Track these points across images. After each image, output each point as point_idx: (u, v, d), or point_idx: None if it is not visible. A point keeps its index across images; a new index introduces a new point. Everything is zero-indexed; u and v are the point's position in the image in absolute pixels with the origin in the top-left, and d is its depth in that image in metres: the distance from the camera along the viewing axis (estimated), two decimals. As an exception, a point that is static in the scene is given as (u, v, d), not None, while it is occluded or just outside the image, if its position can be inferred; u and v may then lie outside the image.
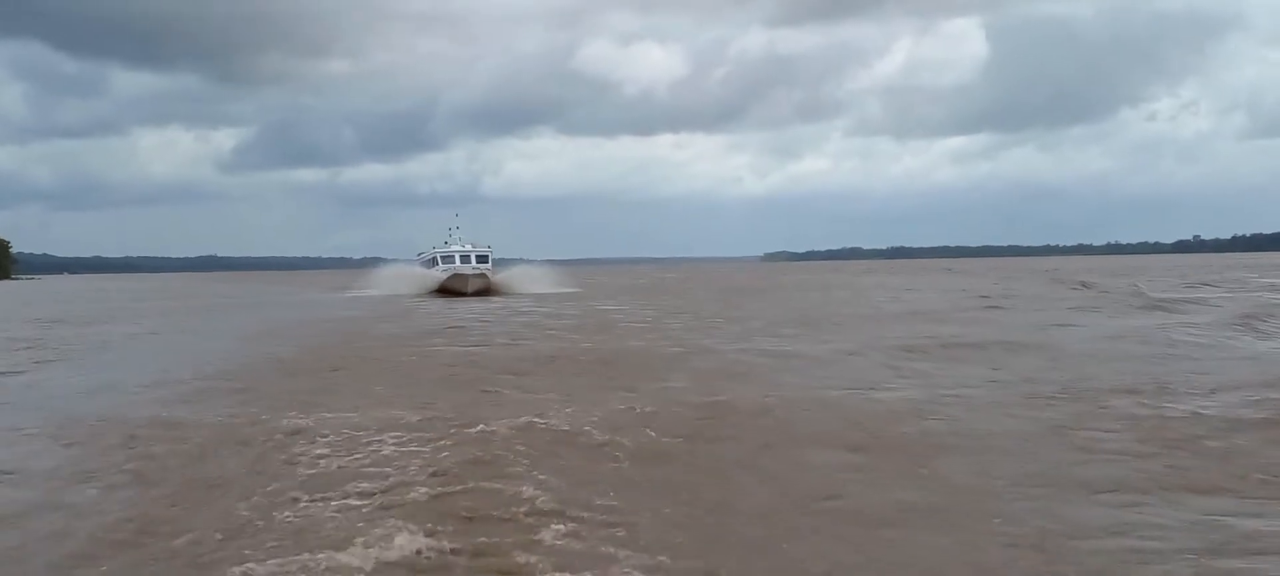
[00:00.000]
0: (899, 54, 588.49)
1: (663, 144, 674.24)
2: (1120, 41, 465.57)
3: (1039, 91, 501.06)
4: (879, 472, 9.54)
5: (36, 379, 19.33)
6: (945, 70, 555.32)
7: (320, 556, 6.82)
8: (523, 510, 7.94)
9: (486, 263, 59.64)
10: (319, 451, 10.36)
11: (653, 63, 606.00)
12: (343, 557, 6.79)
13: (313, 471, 9.48)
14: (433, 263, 60.85)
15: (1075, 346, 21.42)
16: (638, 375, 17.35)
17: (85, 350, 25.73)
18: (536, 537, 7.23)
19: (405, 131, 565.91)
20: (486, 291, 54.15)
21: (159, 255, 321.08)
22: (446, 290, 54.25)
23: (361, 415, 12.51)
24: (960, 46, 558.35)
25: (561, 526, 7.51)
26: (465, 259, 59.40)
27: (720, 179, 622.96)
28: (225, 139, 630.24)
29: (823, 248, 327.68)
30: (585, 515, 7.81)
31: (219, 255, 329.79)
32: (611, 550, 6.98)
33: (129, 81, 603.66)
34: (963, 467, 9.70)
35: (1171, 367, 17.16)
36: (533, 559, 6.81)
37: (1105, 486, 8.85)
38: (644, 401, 13.71)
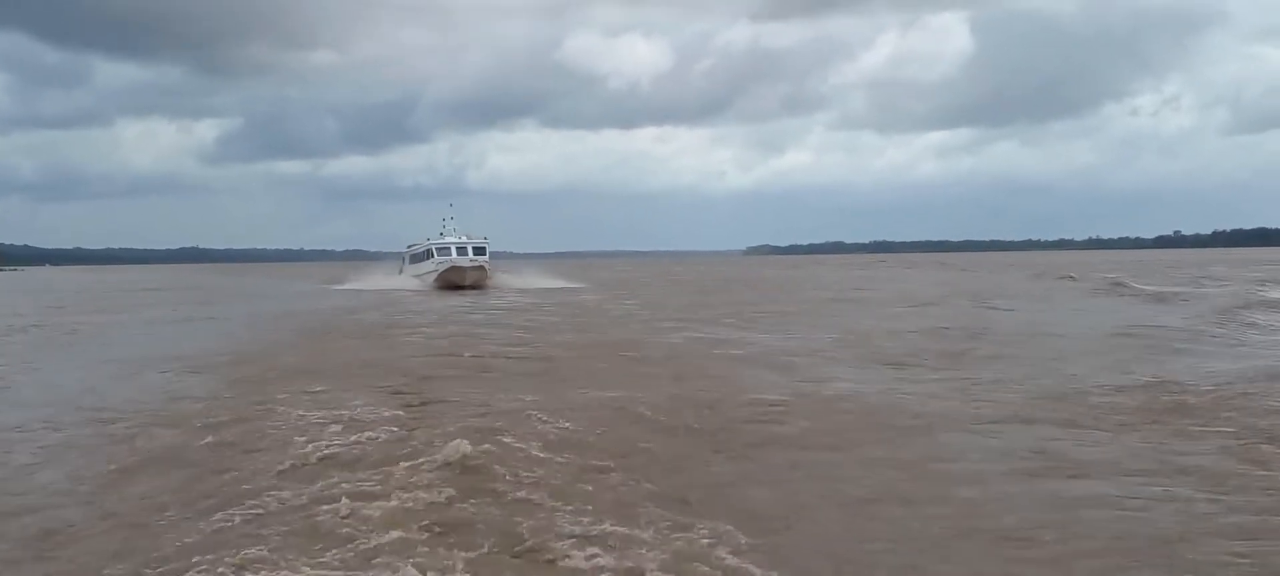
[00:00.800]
0: (884, 48, 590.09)
1: (645, 137, 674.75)
2: (1104, 36, 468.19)
3: (1023, 86, 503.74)
4: (799, 412, 11.66)
5: (66, 357, 21.10)
6: (930, 64, 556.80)
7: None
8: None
9: (484, 255, 56.53)
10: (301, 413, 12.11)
11: (637, 55, 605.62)
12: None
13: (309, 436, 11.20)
14: (427, 255, 57.93)
15: (1016, 328, 23.38)
16: (620, 350, 19.38)
17: (98, 334, 27.45)
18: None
19: (389, 123, 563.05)
20: (482, 284, 52.08)
21: (141, 247, 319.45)
22: (443, 283, 52.31)
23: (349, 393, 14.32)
24: (945, 40, 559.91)
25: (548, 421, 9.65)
26: (462, 250, 55.85)
27: (704, 173, 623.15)
28: (208, 130, 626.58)
29: (806, 241, 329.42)
30: (566, 422, 9.75)
31: (201, 247, 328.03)
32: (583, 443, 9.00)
33: (111, 72, 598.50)
34: (870, 409, 11.83)
35: (1108, 347, 18.82)
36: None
37: (983, 421, 10.89)
38: (627, 366, 15.78)
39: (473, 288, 50.76)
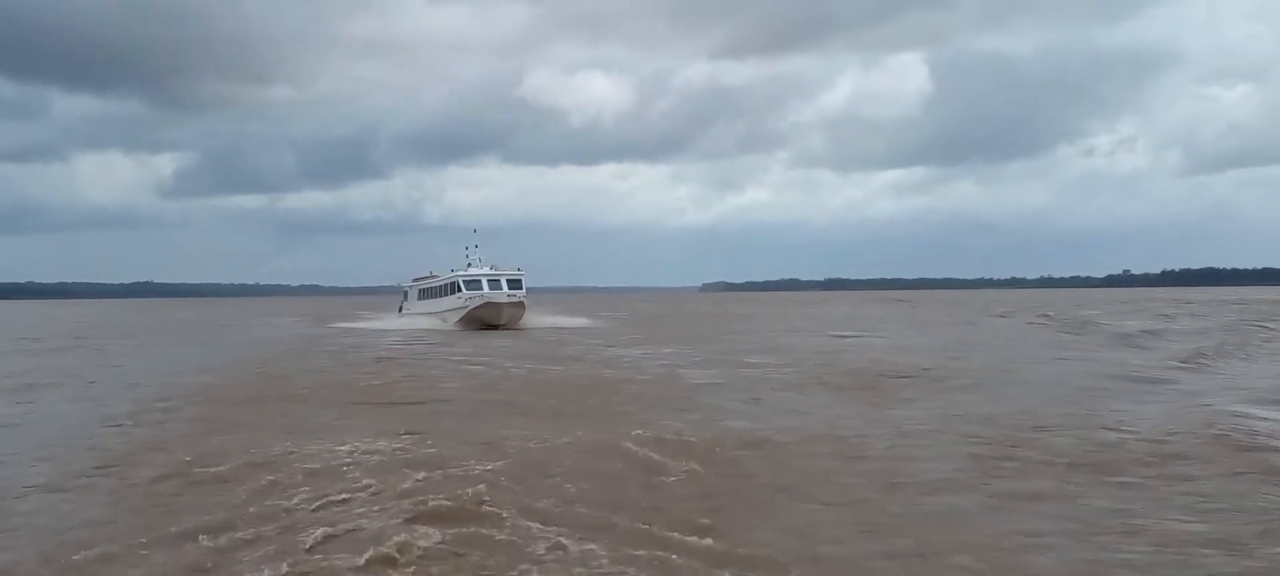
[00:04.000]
0: (842, 88, 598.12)
1: (604, 173, 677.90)
2: (1060, 78, 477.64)
3: (979, 126, 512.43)
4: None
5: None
6: (888, 104, 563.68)
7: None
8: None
9: (520, 289, 49.39)
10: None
11: (597, 92, 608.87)
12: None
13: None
14: (449, 289, 50.94)
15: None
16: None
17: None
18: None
19: (347, 158, 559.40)
20: (519, 323, 46.69)
21: (93, 281, 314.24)
22: (475, 320, 46.23)
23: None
24: (903, 81, 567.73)
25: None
26: (495, 283, 48.87)
27: (662, 209, 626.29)
28: (165, 164, 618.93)
29: (761, 278, 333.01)
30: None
31: (155, 282, 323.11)
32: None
33: (69, 105, 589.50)
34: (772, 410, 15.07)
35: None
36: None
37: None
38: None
39: (507, 327, 45.25)
